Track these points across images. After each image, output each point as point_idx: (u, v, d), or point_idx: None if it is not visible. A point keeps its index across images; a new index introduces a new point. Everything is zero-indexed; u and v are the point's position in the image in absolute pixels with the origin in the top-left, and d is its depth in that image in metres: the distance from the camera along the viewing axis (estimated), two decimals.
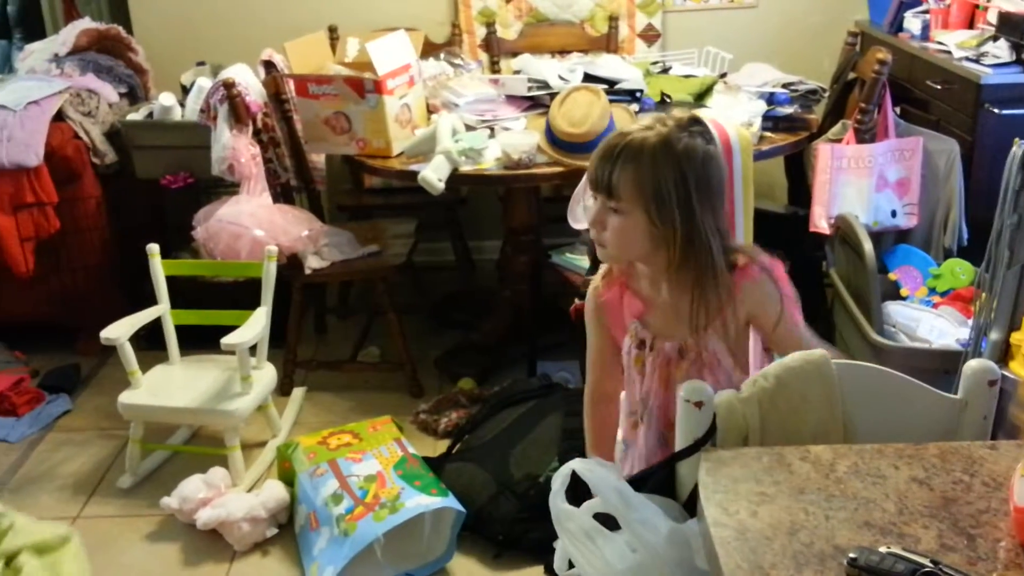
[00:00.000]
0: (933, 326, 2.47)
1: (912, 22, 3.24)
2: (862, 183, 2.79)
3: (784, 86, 3.00)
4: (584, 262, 2.85)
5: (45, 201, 3.21)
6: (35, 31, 4.36)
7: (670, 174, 1.38)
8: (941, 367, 2.20)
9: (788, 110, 2.90)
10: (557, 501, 1.26)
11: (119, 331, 2.59)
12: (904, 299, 2.64)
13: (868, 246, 2.49)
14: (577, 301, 2.67)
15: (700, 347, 1.48)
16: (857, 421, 1.32)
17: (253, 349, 2.66)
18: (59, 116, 3.29)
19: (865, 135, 2.81)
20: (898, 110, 2.99)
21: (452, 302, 3.77)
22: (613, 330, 1.56)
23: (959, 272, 2.61)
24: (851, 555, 0.95)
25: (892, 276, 2.71)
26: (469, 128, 2.88)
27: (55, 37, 3.74)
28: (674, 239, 1.41)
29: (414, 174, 2.66)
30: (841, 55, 3.25)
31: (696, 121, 1.44)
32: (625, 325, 1.54)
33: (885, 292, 2.61)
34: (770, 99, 2.92)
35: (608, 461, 1.67)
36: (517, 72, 3.30)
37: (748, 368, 1.55)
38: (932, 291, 2.63)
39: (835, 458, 1.14)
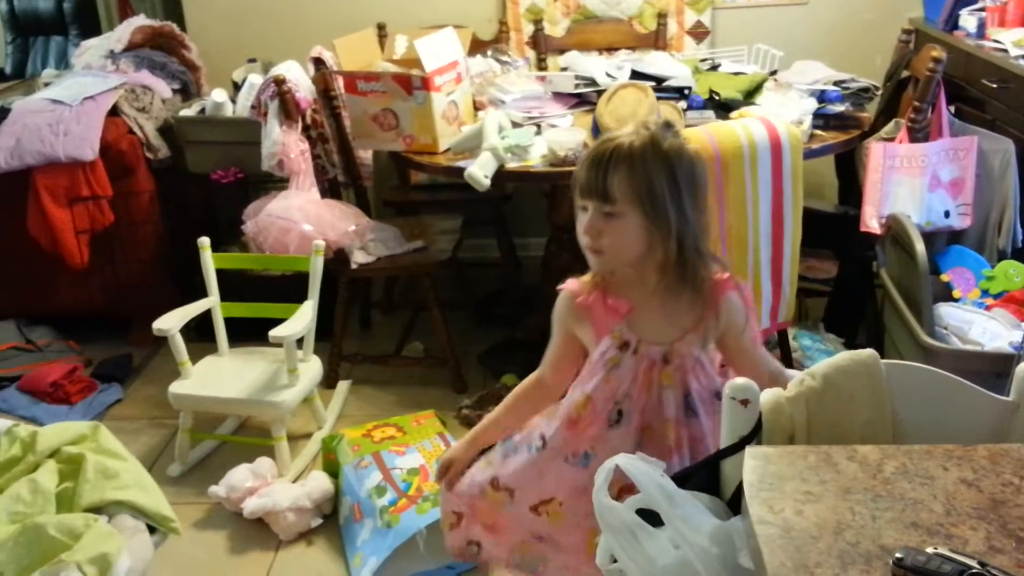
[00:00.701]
0: (985, 328, 2.43)
1: (968, 20, 3.18)
2: (915, 182, 2.75)
3: (836, 84, 2.97)
4: None
5: (100, 194, 3.28)
6: (91, 28, 4.46)
7: (662, 172, 1.44)
8: (993, 370, 2.16)
9: (839, 108, 2.87)
10: (599, 496, 1.25)
11: (170, 322, 2.64)
12: (956, 301, 2.60)
13: (920, 246, 2.45)
14: None
15: (685, 352, 1.51)
16: (906, 422, 1.30)
17: (300, 342, 2.69)
18: (114, 111, 3.36)
19: (918, 134, 2.77)
20: (952, 109, 2.93)
21: (496, 298, 3.78)
22: (595, 330, 1.57)
23: (1013, 274, 2.56)
24: (897, 555, 0.94)
25: (944, 277, 2.66)
26: (516, 125, 2.88)
27: (110, 34, 3.82)
28: (669, 237, 1.46)
29: (460, 170, 2.67)
30: (895, 52, 3.20)
31: (671, 124, 1.50)
32: (608, 326, 1.55)
33: (937, 294, 2.57)
34: (821, 97, 2.89)
35: (507, 434, 1.71)
36: (564, 69, 3.30)
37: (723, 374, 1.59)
38: (985, 293, 2.58)
39: (883, 458, 1.12)
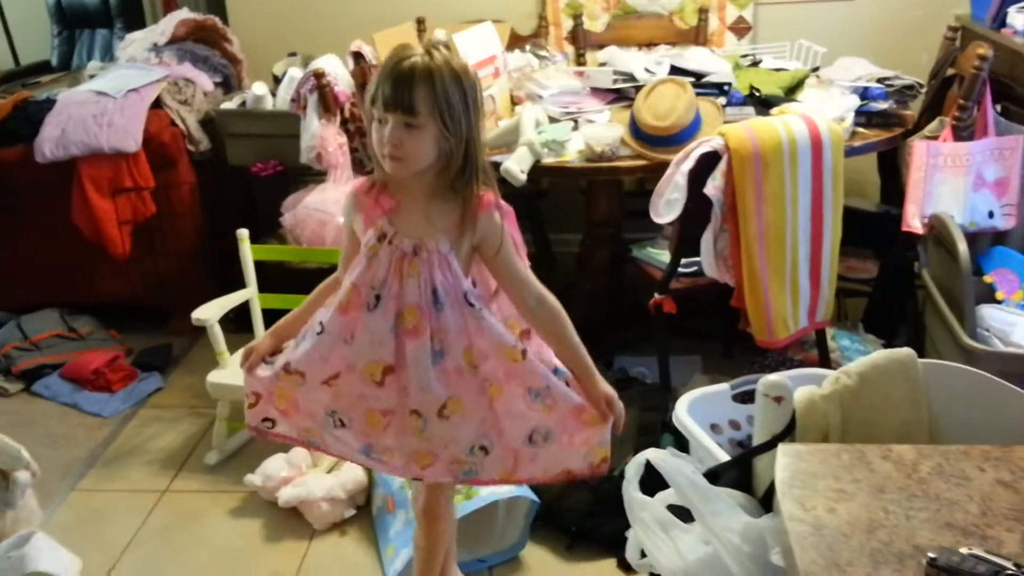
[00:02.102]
0: None
1: (1016, 17, 3.12)
2: (958, 182, 2.70)
3: (879, 81, 2.92)
4: (665, 256, 2.82)
5: (142, 186, 3.32)
6: (135, 21, 4.52)
7: (456, 88, 1.60)
8: None
9: (883, 105, 2.83)
10: (630, 490, 1.25)
11: (209, 313, 2.67)
12: (999, 303, 2.55)
13: (963, 247, 2.41)
14: (656, 296, 2.65)
15: (433, 247, 1.66)
16: (944, 423, 1.28)
17: None
18: (157, 104, 3.40)
19: (963, 132, 2.72)
20: (999, 108, 2.88)
21: None
22: (364, 221, 1.73)
23: None
24: (931, 555, 0.93)
25: (987, 279, 2.62)
26: (553, 120, 2.87)
27: (154, 27, 3.87)
28: (458, 146, 1.62)
29: (497, 165, 2.67)
30: (940, 50, 3.15)
31: (450, 47, 1.67)
32: (374, 220, 1.71)
33: (979, 295, 2.52)
34: (864, 94, 2.84)
35: (301, 325, 1.84)
36: (603, 64, 3.29)
37: (480, 285, 1.75)
38: None
39: (918, 458, 1.11)
